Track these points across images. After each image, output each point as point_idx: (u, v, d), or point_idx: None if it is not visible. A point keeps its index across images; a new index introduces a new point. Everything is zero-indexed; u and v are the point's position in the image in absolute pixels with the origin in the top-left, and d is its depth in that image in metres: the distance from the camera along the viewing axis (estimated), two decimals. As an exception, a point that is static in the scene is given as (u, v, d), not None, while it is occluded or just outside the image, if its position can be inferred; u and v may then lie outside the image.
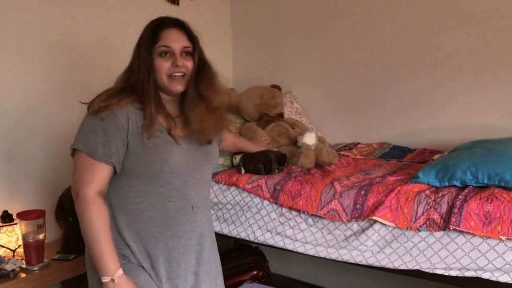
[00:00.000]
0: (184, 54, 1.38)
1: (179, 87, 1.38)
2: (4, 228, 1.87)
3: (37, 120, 2.11)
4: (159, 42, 1.35)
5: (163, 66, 1.35)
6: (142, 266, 1.37)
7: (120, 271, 1.28)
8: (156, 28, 1.37)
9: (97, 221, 1.28)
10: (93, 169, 1.30)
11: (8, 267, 1.69)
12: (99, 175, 1.30)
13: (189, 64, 1.38)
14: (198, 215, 1.44)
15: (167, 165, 1.34)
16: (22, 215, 1.79)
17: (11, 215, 1.90)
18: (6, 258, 1.76)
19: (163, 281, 1.37)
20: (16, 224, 1.88)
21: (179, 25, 1.40)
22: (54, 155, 2.17)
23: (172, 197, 1.37)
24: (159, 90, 1.38)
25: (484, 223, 1.42)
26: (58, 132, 2.18)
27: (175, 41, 1.36)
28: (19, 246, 1.87)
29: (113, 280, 1.26)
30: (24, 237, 1.78)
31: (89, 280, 1.41)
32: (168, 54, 1.36)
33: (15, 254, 1.87)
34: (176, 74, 1.36)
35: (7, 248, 1.86)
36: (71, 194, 1.34)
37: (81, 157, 1.30)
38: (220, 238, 1.98)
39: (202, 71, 1.43)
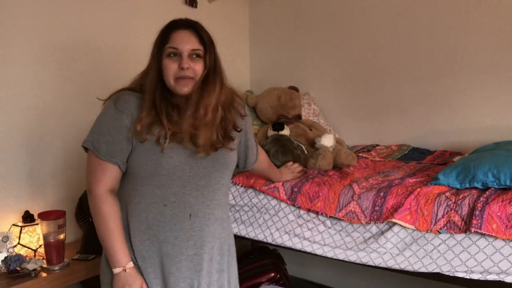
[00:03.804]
0: (194, 56, 1.35)
1: (185, 89, 1.34)
2: (26, 228, 1.90)
3: (57, 121, 2.14)
4: (168, 44, 1.34)
5: (170, 67, 1.33)
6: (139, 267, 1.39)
7: (131, 264, 1.35)
8: (167, 29, 1.36)
9: (108, 217, 1.34)
10: (101, 168, 1.35)
11: (30, 266, 1.72)
12: (107, 174, 1.36)
13: (198, 67, 1.35)
14: (197, 224, 1.38)
15: (162, 167, 1.32)
16: (43, 216, 1.83)
17: (32, 215, 1.94)
18: (27, 258, 1.78)
19: (153, 283, 1.37)
20: (37, 224, 1.91)
21: (191, 26, 1.37)
22: (74, 156, 2.20)
23: (169, 201, 1.35)
24: (169, 92, 1.37)
25: (506, 226, 1.39)
26: (77, 133, 2.19)
27: (184, 43, 1.33)
28: (40, 246, 1.90)
29: (125, 270, 1.33)
30: (45, 237, 1.81)
31: (100, 276, 1.45)
32: (176, 56, 1.34)
33: (36, 253, 1.90)
34: (183, 75, 1.33)
35: (29, 247, 1.90)
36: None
37: (90, 155, 1.37)
38: (238, 240, 1.98)
39: (211, 76, 1.38)
